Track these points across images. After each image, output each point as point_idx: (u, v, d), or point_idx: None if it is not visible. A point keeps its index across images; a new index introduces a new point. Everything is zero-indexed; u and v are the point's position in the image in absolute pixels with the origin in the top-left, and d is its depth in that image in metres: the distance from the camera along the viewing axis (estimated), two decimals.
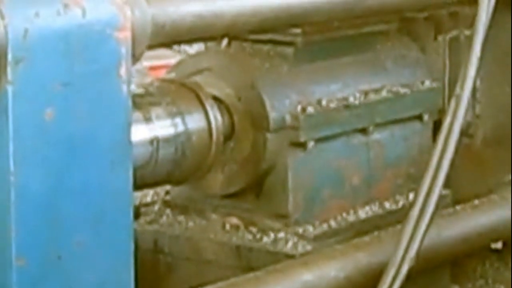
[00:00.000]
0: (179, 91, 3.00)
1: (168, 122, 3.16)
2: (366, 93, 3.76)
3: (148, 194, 3.68)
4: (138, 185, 2.91)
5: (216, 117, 3.23)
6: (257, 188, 3.61)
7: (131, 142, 2.80)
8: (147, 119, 3.19)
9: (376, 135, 3.80)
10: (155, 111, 3.20)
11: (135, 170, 2.81)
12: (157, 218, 3.70)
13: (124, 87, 2.71)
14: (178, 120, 3.00)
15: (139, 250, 2.89)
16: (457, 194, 3.88)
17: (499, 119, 4.06)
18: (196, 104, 3.15)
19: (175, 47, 3.81)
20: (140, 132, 3.16)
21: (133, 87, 2.86)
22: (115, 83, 2.70)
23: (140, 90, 3.41)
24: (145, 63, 3.84)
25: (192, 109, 3.14)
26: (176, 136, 3.19)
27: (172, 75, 3.70)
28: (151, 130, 3.20)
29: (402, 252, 3.23)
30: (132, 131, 2.81)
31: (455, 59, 3.94)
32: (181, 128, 2.97)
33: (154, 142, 3.18)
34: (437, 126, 3.53)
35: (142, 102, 3.22)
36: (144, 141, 3.18)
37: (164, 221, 3.68)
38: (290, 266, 3.34)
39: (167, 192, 3.78)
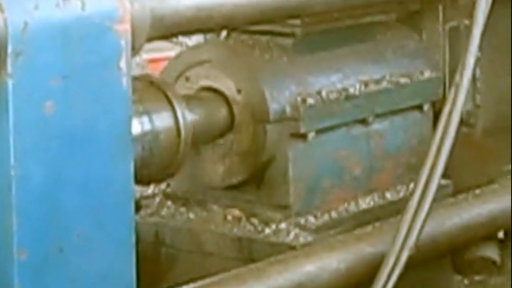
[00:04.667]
0: (147, 90, 2.97)
1: (134, 120, 3.12)
2: (366, 84, 3.76)
3: (149, 187, 3.68)
4: None
5: (184, 116, 3.19)
6: (258, 180, 3.62)
7: (131, 134, 2.81)
8: None
9: (376, 126, 3.81)
10: None
11: None
12: (158, 210, 3.71)
13: (124, 80, 2.72)
14: (145, 119, 2.97)
15: (140, 242, 2.89)
16: (458, 184, 3.88)
17: (499, 108, 4.07)
18: (164, 103, 3.13)
19: (174, 39, 3.79)
20: None
21: None
22: (115, 76, 2.71)
23: None
24: (144, 55, 3.81)
25: (159, 108, 3.12)
26: (143, 135, 3.16)
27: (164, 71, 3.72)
28: None
29: (401, 241, 3.24)
30: None
31: (455, 49, 3.96)
32: (147, 126, 2.94)
33: None
34: (437, 116, 3.52)
35: None
36: None
37: (165, 213, 3.69)
38: (292, 257, 3.35)
39: (168, 185, 3.78)
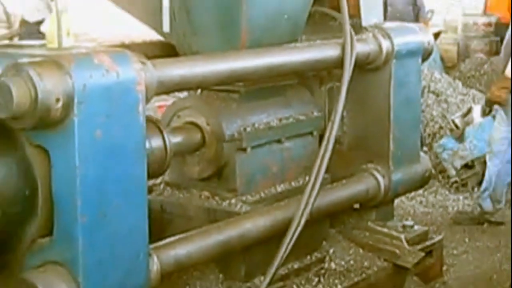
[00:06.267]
0: (148, 125, 2.94)
1: None
2: (280, 120, 3.70)
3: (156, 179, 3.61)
4: None
5: (169, 139, 3.11)
6: (218, 175, 3.56)
7: (145, 149, 2.78)
8: None
9: (287, 144, 3.74)
10: None
11: None
12: (162, 192, 3.64)
13: (141, 118, 2.71)
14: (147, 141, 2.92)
15: (152, 211, 2.87)
16: (333, 177, 3.86)
17: (357, 134, 4.02)
18: (157, 132, 3.06)
19: (171, 94, 3.75)
20: None
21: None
22: (136, 115, 2.69)
23: None
24: (155, 103, 3.74)
25: (154, 135, 3.04)
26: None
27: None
28: None
29: (301, 210, 3.23)
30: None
31: (331, 100, 3.90)
32: (147, 146, 2.86)
33: None
34: (321, 138, 3.50)
35: None
36: None
37: (166, 194, 3.62)
38: (238, 219, 3.33)
39: (167, 178, 3.71)
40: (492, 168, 5.29)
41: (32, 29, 6.65)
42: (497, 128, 5.31)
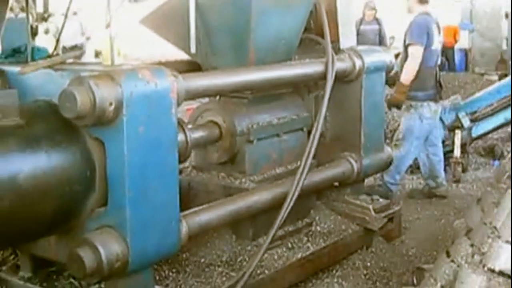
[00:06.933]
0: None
1: None
2: (279, 119, 3.68)
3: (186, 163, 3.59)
4: None
5: (190, 135, 3.04)
6: (232, 160, 3.54)
7: (177, 142, 2.76)
8: None
9: (284, 137, 3.72)
10: None
11: None
12: (189, 173, 3.62)
13: (174, 118, 2.69)
14: None
15: (181, 188, 2.84)
16: (319, 162, 3.83)
17: (336, 130, 3.98)
18: (181, 129, 2.97)
19: (197, 99, 3.73)
20: None
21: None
22: (170, 116, 2.67)
23: None
24: (184, 107, 3.73)
25: (179, 132, 2.88)
26: None
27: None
28: None
29: (294, 187, 3.21)
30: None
31: (317, 104, 3.85)
32: None
33: None
34: (310, 133, 3.47)
35: None
36: None
37: (193, 174, 3.61)
38: (246, 194, 3.31)
39: (193, 162, 3.69)
40: (421, 155, 5.18)
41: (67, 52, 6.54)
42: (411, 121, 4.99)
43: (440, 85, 5.09)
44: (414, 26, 4.93)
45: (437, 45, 5.00)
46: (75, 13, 9.34)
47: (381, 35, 7.79)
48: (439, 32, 5.06)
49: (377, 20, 5.75)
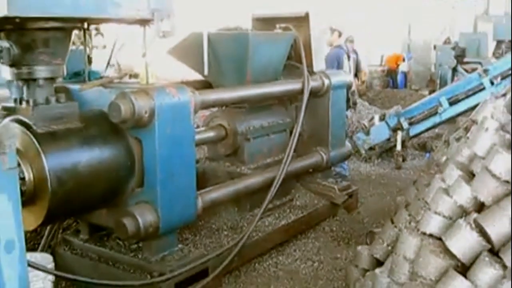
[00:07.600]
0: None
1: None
2: (269, 123, 3.66)
3: (201, 154, 3.58)
4: None
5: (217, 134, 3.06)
6: (235, 153, 3.51)
7: (195, 141, 2.73)
8: None
9: (272, 136, 3.68)
10: None
11: None
12: (204, 163, 3.59)
13: (191, 122, 2.66)
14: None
15: (198, 173, 2.79)
16: (298, 154, 3.76)
17: (311, 130, 3.93)
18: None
19: (210, 109, 3.69)
20: None
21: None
22: (189, 121, 2.65)
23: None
24: (200, 114, 3.67)
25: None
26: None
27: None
28: None
29: (280, 173, 3.18)
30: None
31: (297, 112, 3.79)
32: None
33: None
34: (291, 132, 3.45)
35: None
36: None
37: (206, 165, 3.57)
38: (245, 177, 3.29)
39: (207, 154, 3.67)
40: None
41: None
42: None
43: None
44: (327, 57, 5.23)
45: (346, 69, 5.16)
46: (122, 45, 9.18)
47: (357, 62, 7.71)
48: (349, 59, 5.30)
49: (354, 51, 5.74)
